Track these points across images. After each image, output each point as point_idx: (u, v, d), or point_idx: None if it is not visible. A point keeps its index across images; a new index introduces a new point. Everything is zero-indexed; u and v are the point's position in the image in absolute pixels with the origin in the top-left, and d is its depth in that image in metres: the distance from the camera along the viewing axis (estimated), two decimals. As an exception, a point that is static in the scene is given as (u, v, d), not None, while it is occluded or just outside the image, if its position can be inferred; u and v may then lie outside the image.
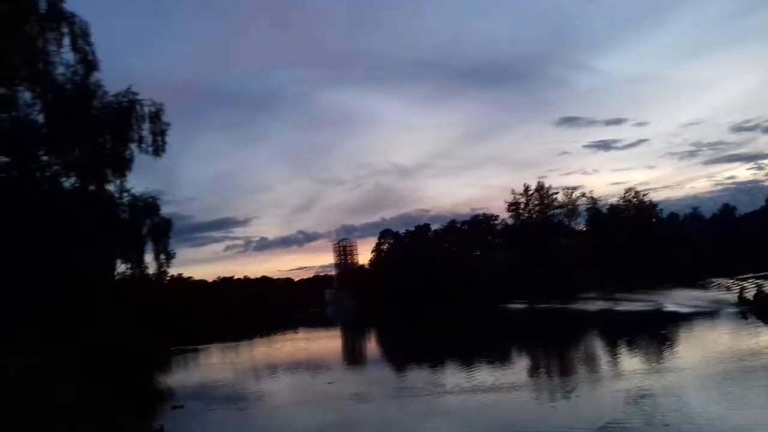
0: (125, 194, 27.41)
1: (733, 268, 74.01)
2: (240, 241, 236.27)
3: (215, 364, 43.26)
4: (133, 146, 27.30)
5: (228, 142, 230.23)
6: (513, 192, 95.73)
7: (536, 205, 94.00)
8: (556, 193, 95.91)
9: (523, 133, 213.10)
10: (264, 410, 22.39)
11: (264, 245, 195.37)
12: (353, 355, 48.42)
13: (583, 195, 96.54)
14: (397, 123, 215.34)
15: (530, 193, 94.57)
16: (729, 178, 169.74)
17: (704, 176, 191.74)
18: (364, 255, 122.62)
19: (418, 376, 28.99)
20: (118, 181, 26.98)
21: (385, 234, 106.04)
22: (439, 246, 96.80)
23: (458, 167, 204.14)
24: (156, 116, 27.40)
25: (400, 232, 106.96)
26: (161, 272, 28.45)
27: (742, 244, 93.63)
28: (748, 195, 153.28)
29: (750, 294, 41.97)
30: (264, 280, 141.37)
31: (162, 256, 26.40)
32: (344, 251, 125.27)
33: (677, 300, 51.49)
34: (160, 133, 27.42)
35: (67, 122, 24.35)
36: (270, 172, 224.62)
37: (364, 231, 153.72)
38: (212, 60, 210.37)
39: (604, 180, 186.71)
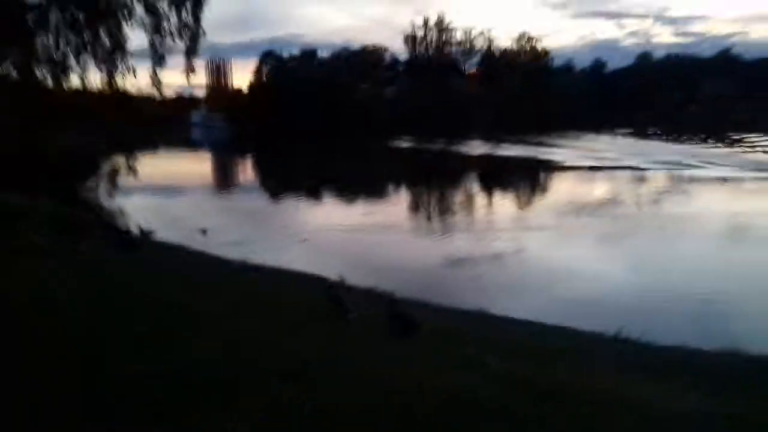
0: None
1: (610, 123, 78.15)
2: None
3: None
4: None
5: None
6: (412, 24, 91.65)
7: (434, 40, 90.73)
8: (455, 29, 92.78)
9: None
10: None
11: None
12: (227, 180, 46.32)
13: (482, 34, 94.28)
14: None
15: (429, 26, 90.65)
16: (592, 33, 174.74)
17: (570, 29, 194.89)
18: (238, 77, 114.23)
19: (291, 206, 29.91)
20: None
21: (268, 56, 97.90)
22: (328, 74, 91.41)
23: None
24: None
25: (284, 55, 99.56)
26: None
27: (615, 99, 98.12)
28: (611, 51, 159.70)
29: None
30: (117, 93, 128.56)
31: (187, 31, 16.28)
32: (217, 71, 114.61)
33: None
34: None
35: None
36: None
37: (232, 51, 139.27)
38: None
39: (477, 23, 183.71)
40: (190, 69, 20.98)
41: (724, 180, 33.84)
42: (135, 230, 14.82)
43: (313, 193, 34.08)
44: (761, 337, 9.94)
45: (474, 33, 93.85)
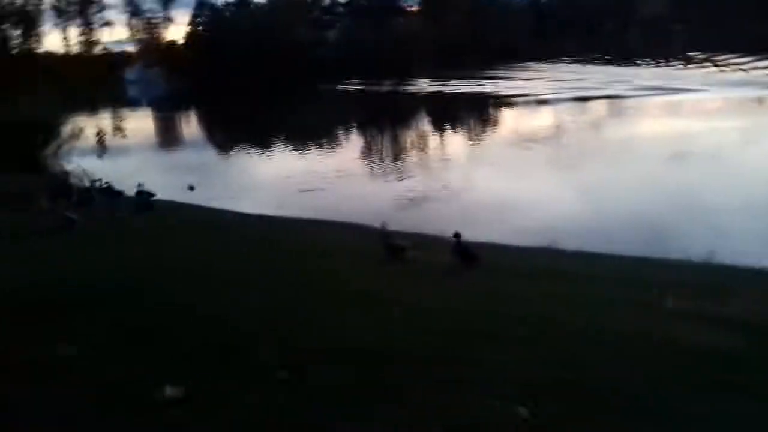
0: None
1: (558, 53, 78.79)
2: None
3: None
4: None
5: None
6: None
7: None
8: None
9: None
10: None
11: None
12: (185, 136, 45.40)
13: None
14: None
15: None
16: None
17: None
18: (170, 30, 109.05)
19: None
20: None
21: (202, 6, 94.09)
22: (265, 20, 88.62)
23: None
24: None
25: (218, 3, 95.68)
26: None
27: (553, 27, 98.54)
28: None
29: None
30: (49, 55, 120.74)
31: None
32: (149, 25, 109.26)
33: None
34: None
35: None
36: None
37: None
38: None
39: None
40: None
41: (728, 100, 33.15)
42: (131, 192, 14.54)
43: (278, 143, 33.62)
44: None
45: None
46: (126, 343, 4.59)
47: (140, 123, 58.39)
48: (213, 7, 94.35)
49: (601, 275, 7.83)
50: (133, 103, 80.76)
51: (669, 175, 17.81)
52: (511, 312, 5.44)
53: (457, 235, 9.11)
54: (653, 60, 62.11)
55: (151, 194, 14.05)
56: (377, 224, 12.59)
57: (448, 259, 8.91)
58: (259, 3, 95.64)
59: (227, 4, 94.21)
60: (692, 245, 10.25)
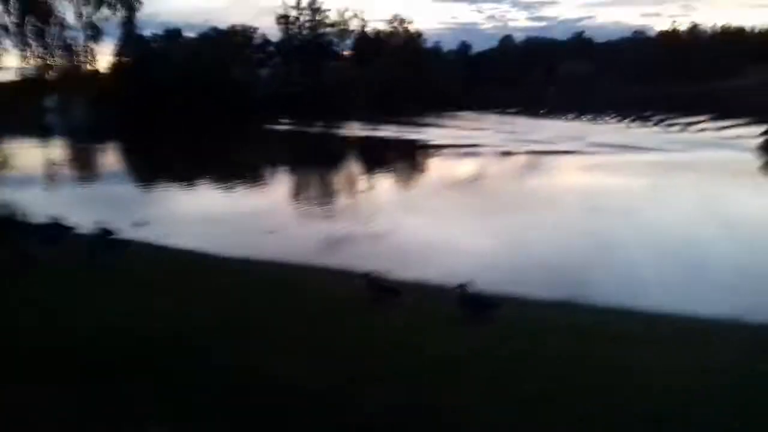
0: None
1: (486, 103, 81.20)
2: None
3: None
4: None
5: None
6: (284, 3, 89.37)
7: (308, 20, 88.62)
8: (329, 10, 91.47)
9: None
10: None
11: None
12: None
13: (356, 15, 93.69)
14: None
15: (302, 6, 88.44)
16: (453, 17, 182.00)
17: (431, 13, 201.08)
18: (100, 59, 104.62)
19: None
20: None
21: (129, 36, 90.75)
22: (196, 55, 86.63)
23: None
24: None
25: (145, 34, 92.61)
26: None
27: (481, 80, 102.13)
28: (471, 35, 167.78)
29: None
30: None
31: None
32: (72, 52, 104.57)
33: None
34: None
35: None
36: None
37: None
38: None
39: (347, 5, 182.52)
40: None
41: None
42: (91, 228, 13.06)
43: (207, 179, 32.74)
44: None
45: (347, 14, 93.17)
46: (225, 421, 3.63)
47: (61, 153, 55.64)
48: (140, 38, 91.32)
49: (637, 334, 7.46)
50: (51, 132, 76.83)
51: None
52: (621, 384, 4.83)
53: (462, 286, 8.66)
54: (592, 115, 64.02)
55: (110, 232, 12.71)
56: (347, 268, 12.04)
57: (448, 306, 8.45)
58: (188, 37, 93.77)
59: (155, 36, 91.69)
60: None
